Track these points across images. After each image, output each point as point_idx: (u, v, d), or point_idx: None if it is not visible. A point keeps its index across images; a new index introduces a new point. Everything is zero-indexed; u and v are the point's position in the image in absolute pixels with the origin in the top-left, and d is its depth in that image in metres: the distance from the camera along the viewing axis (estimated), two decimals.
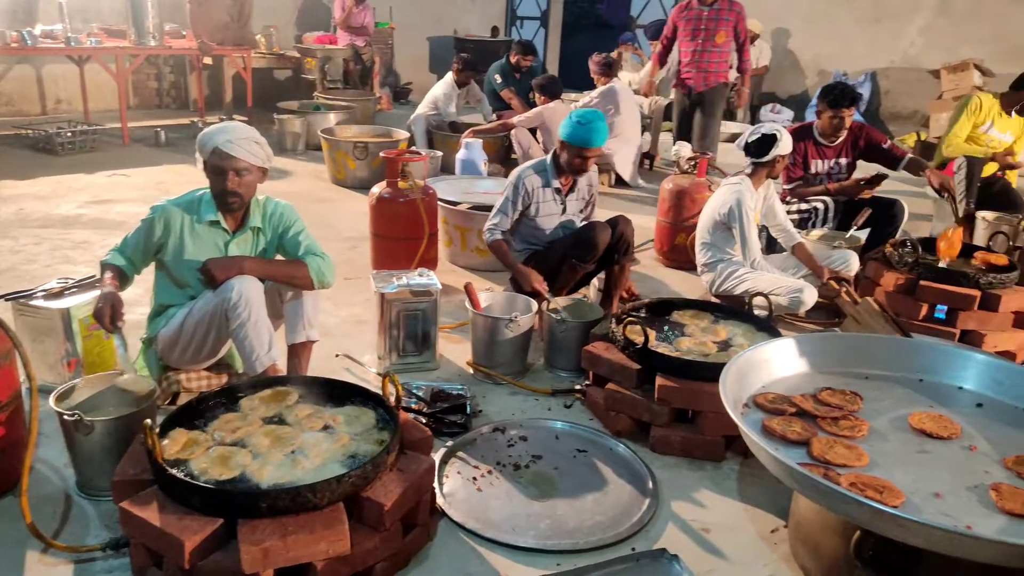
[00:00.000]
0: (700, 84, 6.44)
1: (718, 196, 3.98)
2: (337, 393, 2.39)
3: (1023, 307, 3.68)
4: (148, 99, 9.92)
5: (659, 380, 2.77)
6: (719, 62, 6.41)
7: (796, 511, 2.31)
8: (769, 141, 3.82)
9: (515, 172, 3.70)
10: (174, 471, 1.93)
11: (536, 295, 3.47)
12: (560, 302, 3.49)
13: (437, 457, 2.55)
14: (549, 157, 3.69)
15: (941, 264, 3.80)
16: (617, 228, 3.60)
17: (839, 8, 9.67)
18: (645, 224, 5.22)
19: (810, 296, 3.69)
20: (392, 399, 2.28)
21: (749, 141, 3.91)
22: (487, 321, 3.23)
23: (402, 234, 4.12)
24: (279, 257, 2.85)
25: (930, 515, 1.84)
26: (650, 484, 2.55)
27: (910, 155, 4.44)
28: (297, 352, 2.82)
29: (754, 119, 10.16)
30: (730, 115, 8.96)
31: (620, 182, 6.80)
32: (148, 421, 1.93)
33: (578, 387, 3.14)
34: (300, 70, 9.54)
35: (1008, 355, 3.60)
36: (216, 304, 2.59)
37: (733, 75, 6.82)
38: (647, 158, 7.49)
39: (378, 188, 4.21)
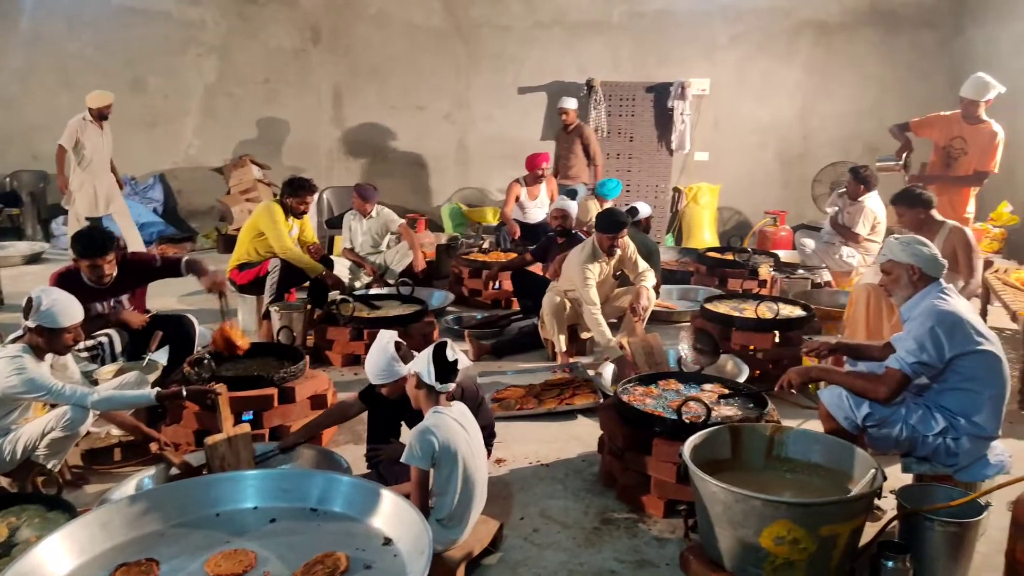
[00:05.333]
0: None
1: None
2: None
3: (316, 390, 4.15)
4: None
5: None
6: None
7: None
8: (28, 305, 3.27)
9: None
10: None
11: None
12: None
13: None
14: None
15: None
16: None
17: None
18: None
19: (80, 415, 3.22)
20: None
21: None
22: None
23: None
24: None
25: None
26: None
27: (186, 258, 4.50)
28: None
29: (46, 234, 9.28)
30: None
31: None
32: None
33: None
34: None
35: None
36: None
37: None
38: None
39: None
